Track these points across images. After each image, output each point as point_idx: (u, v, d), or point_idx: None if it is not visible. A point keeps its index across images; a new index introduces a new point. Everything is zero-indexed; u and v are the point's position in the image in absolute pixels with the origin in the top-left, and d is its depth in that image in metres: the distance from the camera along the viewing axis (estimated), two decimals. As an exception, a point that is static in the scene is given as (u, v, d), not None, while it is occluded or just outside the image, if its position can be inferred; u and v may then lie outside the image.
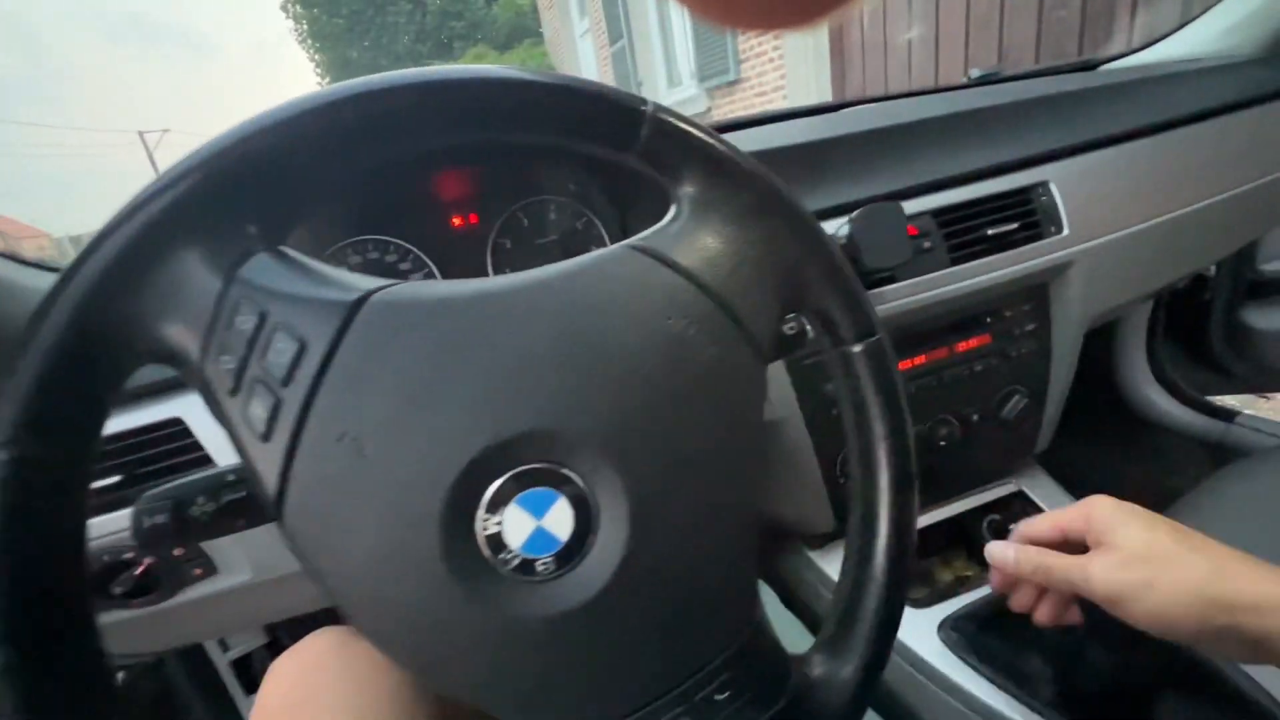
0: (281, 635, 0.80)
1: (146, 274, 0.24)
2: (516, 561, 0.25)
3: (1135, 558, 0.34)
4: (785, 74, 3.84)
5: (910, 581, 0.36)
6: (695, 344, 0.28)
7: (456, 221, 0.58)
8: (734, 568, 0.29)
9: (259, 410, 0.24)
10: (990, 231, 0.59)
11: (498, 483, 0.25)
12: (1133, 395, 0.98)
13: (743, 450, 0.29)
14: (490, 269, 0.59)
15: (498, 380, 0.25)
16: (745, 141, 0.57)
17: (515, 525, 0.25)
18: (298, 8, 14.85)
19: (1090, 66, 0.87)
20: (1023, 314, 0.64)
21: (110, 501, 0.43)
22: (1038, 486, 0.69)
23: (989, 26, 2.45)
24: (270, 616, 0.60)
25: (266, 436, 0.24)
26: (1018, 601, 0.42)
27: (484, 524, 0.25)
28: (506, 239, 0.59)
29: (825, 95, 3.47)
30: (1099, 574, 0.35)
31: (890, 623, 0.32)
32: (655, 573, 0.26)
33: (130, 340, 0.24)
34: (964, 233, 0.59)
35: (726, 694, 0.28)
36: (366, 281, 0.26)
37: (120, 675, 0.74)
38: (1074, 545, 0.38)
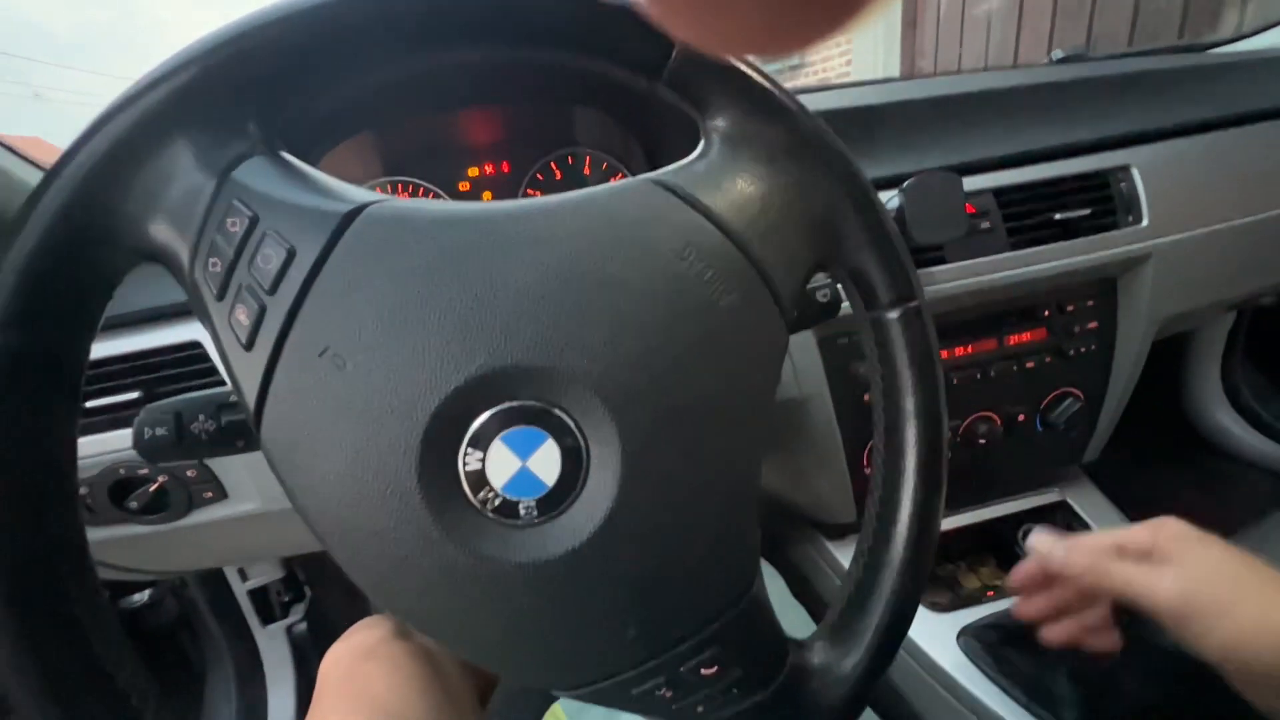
0: (297, 570, 0.83)
1: (138, 168, 0.23)
2: (498, 502, 0.24)
3: (1210, 580, 0.31)
4: (851, 60, 3.69)
5: (931, 584, 0.33)
6: (711, 289, 0.25)
7: (488, 169, 0.57)
8: (731, 535, 0.27)
9: (243, 317, 0.23)
10: (1058, 216, 0.54)
11: (484, 416, 0.24)
12: (1199, 414, 0.90)
13: (752, 411, 0.27)
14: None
15: (492, 307, 0.23)
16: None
17: (499, 463, 0.24)
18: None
19: (1198, 49, 0.79)
20: (1085, 310, 0.59)
21: (129, 418, 0.44)
22: (1084, 499, 0.64)
23: (1079, 11, 2.28)
24: (283, 550, 0.62)
25: (249, 345, 0.23)
26: (1030, 608, 0.38)
27: (466, 458, 0.23)
28: (537, 190, 0.57)
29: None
30: (1172, 586, 0.32)
31: (902, 615, 0.29)
32: (645, 529, 0.24)
33: (119, 236, 0.23)
34: (1027, 215, 0.54)
35: (714, 669, 0.27)
36: (363, 194, 0.25)
37: (147, 592, 0.77)
38: (1132, 560, 0.34)
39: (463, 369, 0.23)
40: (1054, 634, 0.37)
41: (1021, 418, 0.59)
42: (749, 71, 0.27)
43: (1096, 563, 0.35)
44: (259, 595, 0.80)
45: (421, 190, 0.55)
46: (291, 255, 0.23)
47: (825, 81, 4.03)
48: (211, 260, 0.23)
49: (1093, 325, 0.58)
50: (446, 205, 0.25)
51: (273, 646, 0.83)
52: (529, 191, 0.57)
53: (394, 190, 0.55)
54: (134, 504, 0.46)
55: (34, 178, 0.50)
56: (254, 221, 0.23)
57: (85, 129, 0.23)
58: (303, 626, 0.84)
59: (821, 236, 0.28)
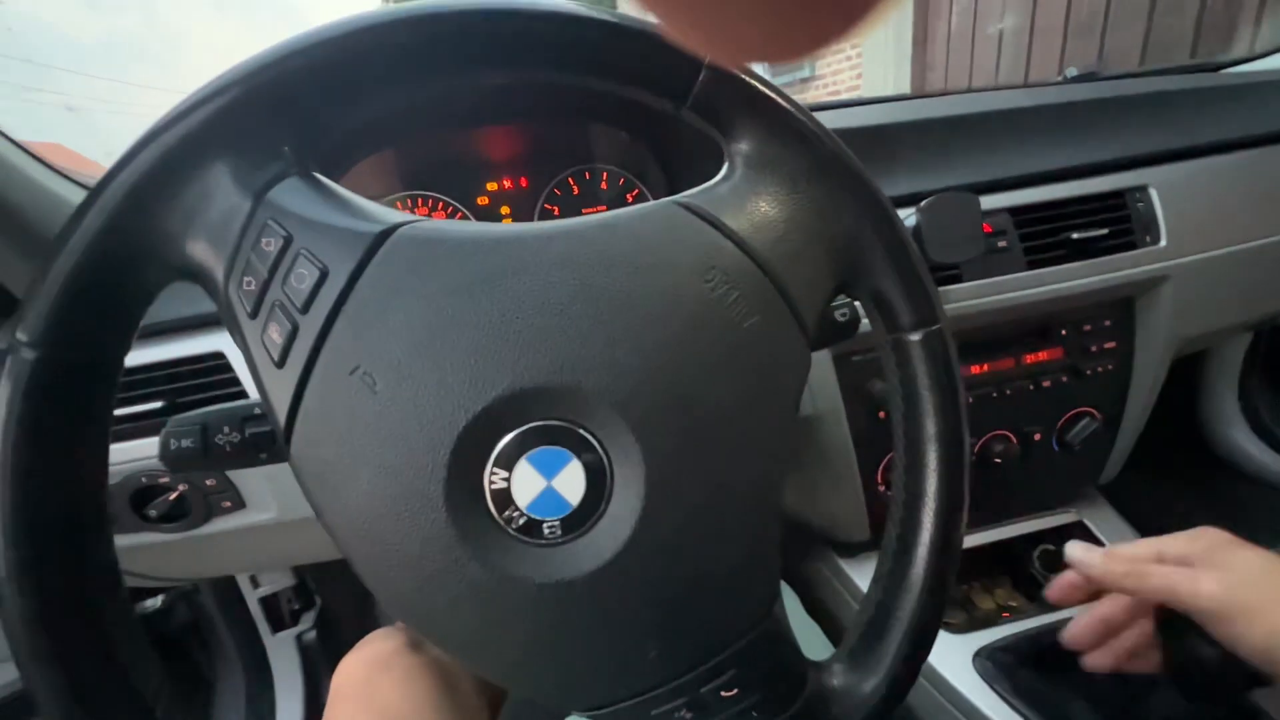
0: (307, 579, 0.83)
1: (178, 187, 0.23)
2: (522, 521, 0.24)
3: (1253, 581, 0.32)
4: (861, 73, 3.70)
5: (947, 603, 0.33)
6: (735, 311, 0.26)
7: (506, 183, 0.57)
8: (753, 557, 0.27)
9: (276, 336, 0.23)
10: (1075, 236, 0.53)
11: (510, 435, 0.24)
12: (1216, 435, 0.89)
13: (775, 433, 0.27)
14: (536, 235, 0.58)
15: (519, 327, 0.24)
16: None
17: (524, 483, 0.24)
18: (385, -15, 15.47)
19: (1209, 69, 0.78)
20: (1103, 329, 0.58)
21: (152, 427, 0.44)
22: (1101, 520, 0.64)
23: (1090, 30, 2.28)
24: (296, 558, 0.62)
25: (280, 363, 0.24)
26: (1078, 636, 0.38)
27: (491, 477, 0.24)
28: (555, 205, 0.58)
29: (904, 91, 3.33)
30: (1214, 585, 0.32)
31: (923, 640, 0.29)
32: (667, 551, 0.25)
33: (158, 253, 0.24)
34: (1044, 235, 0.54)
35: (734, 691, 0.26)
36: (395, 215, 0.25)
37: (160, 598, 0.78)
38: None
39: (490, 389, 0.23)
40: (1098, 660, 0.37)
41: (1038, 437, 0.59)
42: (773, 96, 0.27)
43: (1135, 567, 0.35)
44: (270, 602, 0.81)
45: (441, 204, 0.56)
46: (324, 275, 0.23)
47: (835, 94, 4.05)
48: (246, 279, 0.24)
49: (1110, 345, 0.58)
50: (475, 227, 0.25)
51: (282, 654, 0.83)
52: (546, 206, 0.58)
53: (414, 204, 0.55)
54: (153, 512, 0.46)
55: (58, 185, 0.52)
56: (288, 241, 0.24)
57: (128, 149, 0.23)
58: (312, 635, 0.84)
59: (844, 258, 0.28)
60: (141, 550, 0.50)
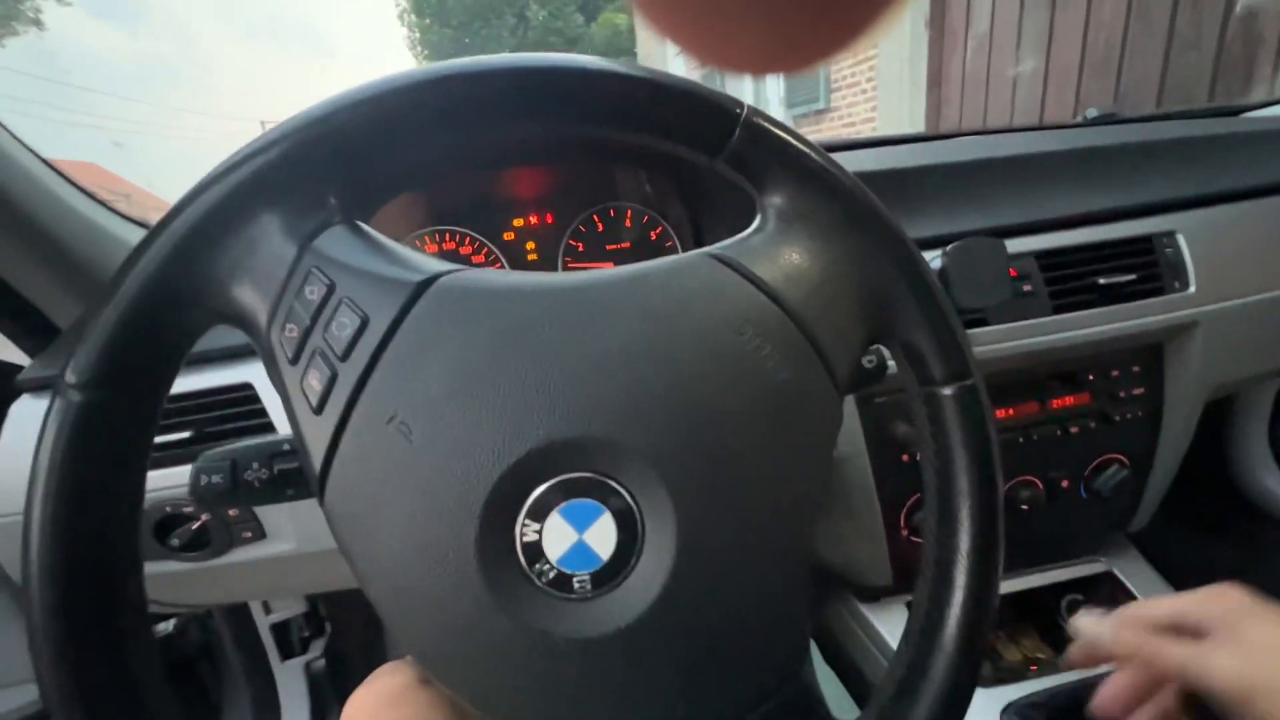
0: (320, 606, 0.82)
1: (228, 235, 0.24)
2: (552, 574, 0.24)
3: (1271, 659, 0.29)
4: (876, 106, 3.74)
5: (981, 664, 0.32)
6: (768, 364, 0.26)
7: (532, 219, 0.58)
8: (783, 616, 0.26)
9: (315, 383, 0.24)
10: (1102, 281, 0.53)
11: (543, 488, 0.24)
12: (1248, 480, 0.86)
13: (807, 487, 0.27)
14: (560, 269, 0.59)
15: (555, 380, 0.24)
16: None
17: (555, 535, 0.24)
18: (412, 17, 15.94)
19: (1231, 112, 0.79)
20: (1131, 375, 0.57)
21: (178, 456, 0.45)
22: (1130, 570, 0.62)
23: (1106, 67, 2.29)
24: (311, 587, 0.62)
25: (319, 410, 0.24)
26: (1107, 707, 0.36)
27: (523, 529, 0.24)
28: (579, 241, 0.59)
29: (918, 127, 3.36)
30: (1228, 664, 0.30)
31: (956, 704, 0.28)
32: (697, 608, 0.24)
33: (205, 298, 0.24)
34: (1071, 279, 0.53)
35: None
36: (435, 264, 0.26)
37: (171, 622, 0.77)
38: (1187, 636, 0.33)
39: (525, 441, 0.23)
40: None
41: (1065, 483, 0.57)
42: (805, 150, 0.28)
43: (1146, 643, 0.33)
44: (280, 630, 0.80)
45: (468, 240, 0.57)
46: (365, 323, 0.24)
47: (851, 126, 4.09)
48: (288, 326, 0.24)
49: (1139, 391, 0.57)
50: (513, 278, 0.25)
51: (290, 682, 0.82)
52: (571, 242, 0.58)
53: (441, 239, 0.56)
54: (176, 541, 0.46)
55: (100, 216, 0.53)
56: (330, 289, 0.24)
57: (180, 200, 0.24)
58: (320, 664, 0.84)
59: (876, 310, 0.28)
60: (161, 578, 0.50)
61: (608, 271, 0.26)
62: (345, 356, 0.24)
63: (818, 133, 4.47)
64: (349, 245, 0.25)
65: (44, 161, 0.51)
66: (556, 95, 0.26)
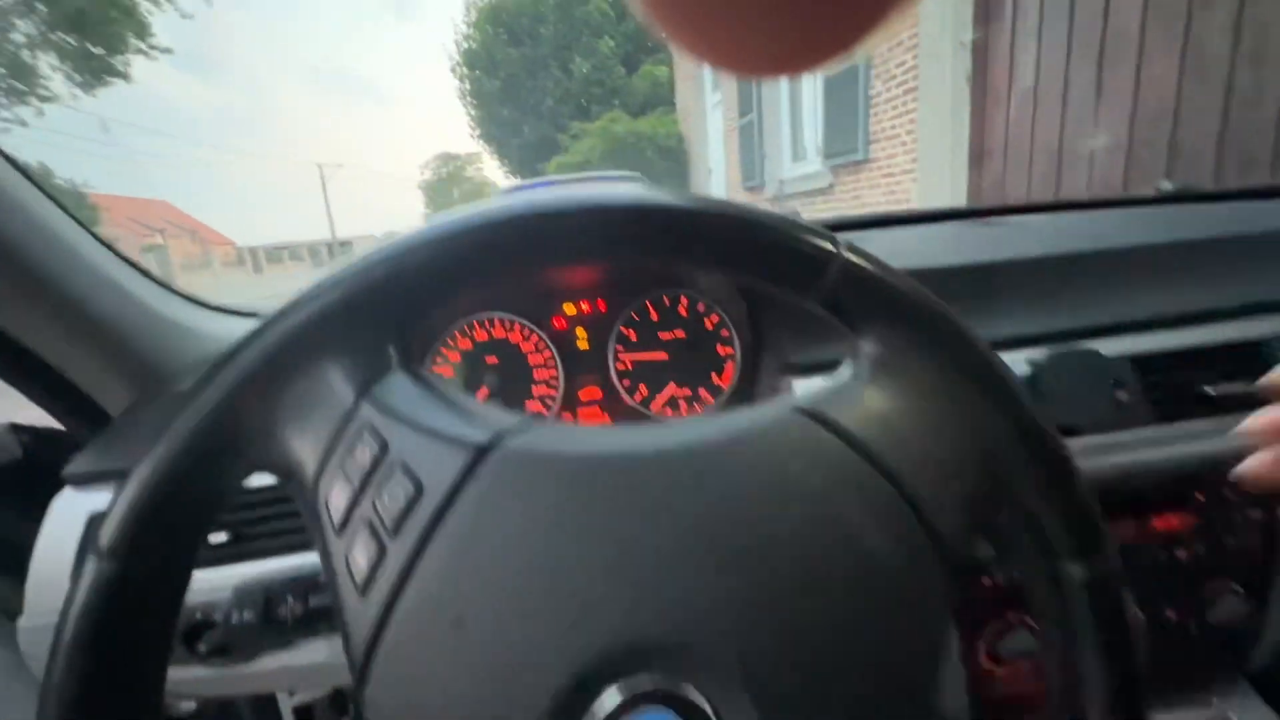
0: (344, 689, 0.79)
1: (282, 384, 0.22)
2: None
3: None
4: (916, 158, 3.73)
5: None
6: (866, 538, 0.22)
7: (584, 306, 0.56)
8: None
9: (361, 559, 0.21)
10: (1210, 390, 0.48)
11: (610, 692, 0.20)
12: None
13: (921, 680, 0.23)
14: (611, 359, 0.56)
15: (626, 570, 0.21)
16: (892, 248, 0.51)
17: None
18: (464, 69, 16.87)
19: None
20: (1245, 494, 0.51)
21: (216, 557, 0.43)
22: (1249, 715, 0.54)
23: (1159, 124, 2.23)
24: (340, 681, 0.59)
25: (364, 590, 0.21)
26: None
27: None
28: (631, 329, 0.56)
29: (959, 182, 3.31)
30: None
31: None
32: None
33: (246, 450, 0.23)
34: (1172, 386, 0.48)
35: None
36: (500, 419, 0.23)
37: (194, 702, 0.75)
38: None
39: (591, 641, 0.20)
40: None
41: (1171, 615, 0.51)
42: (910, 293, 0.25)
43: None
44: (303, 713, 0.77)
45: (517, 327, 0.55)
46: (419, 493, 0.21)
47: (890, 176, 4.07)
48: (337, 486, 0.22)
49: (1257, 514, 0.51)
50: (583, 443, 0.23)
51: (309, 768, 0.79)
52: (623, 329, 0.56)
53: (491, 325, 0.55)
54: (204, 647, 0.44)
55: (160, 301, 0.53)
56: (383, 450, 0.22)
57: (234, 344, 0.23)
58: (341, 750, 0.80)
59: (985, 472, 0.25)
60: (186, 681, 0.47)
61: (686, 434, 0.23)
62: (395, 531, 0.21)
63: (856, 181, 4.46)
64: (408, 394, 0.23)
65: (96, 237, 0.51)
66: (637, 233, 0.24)
